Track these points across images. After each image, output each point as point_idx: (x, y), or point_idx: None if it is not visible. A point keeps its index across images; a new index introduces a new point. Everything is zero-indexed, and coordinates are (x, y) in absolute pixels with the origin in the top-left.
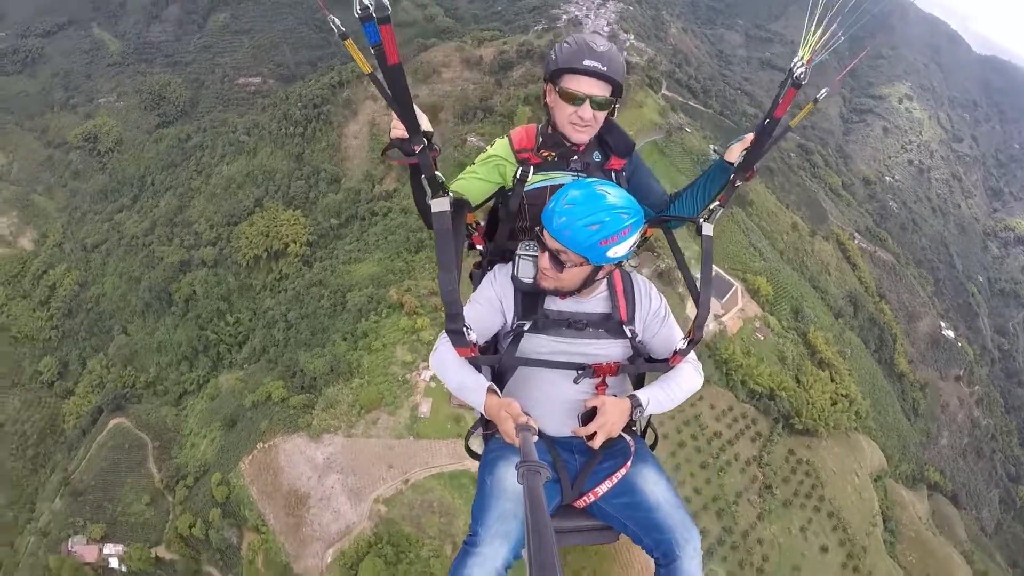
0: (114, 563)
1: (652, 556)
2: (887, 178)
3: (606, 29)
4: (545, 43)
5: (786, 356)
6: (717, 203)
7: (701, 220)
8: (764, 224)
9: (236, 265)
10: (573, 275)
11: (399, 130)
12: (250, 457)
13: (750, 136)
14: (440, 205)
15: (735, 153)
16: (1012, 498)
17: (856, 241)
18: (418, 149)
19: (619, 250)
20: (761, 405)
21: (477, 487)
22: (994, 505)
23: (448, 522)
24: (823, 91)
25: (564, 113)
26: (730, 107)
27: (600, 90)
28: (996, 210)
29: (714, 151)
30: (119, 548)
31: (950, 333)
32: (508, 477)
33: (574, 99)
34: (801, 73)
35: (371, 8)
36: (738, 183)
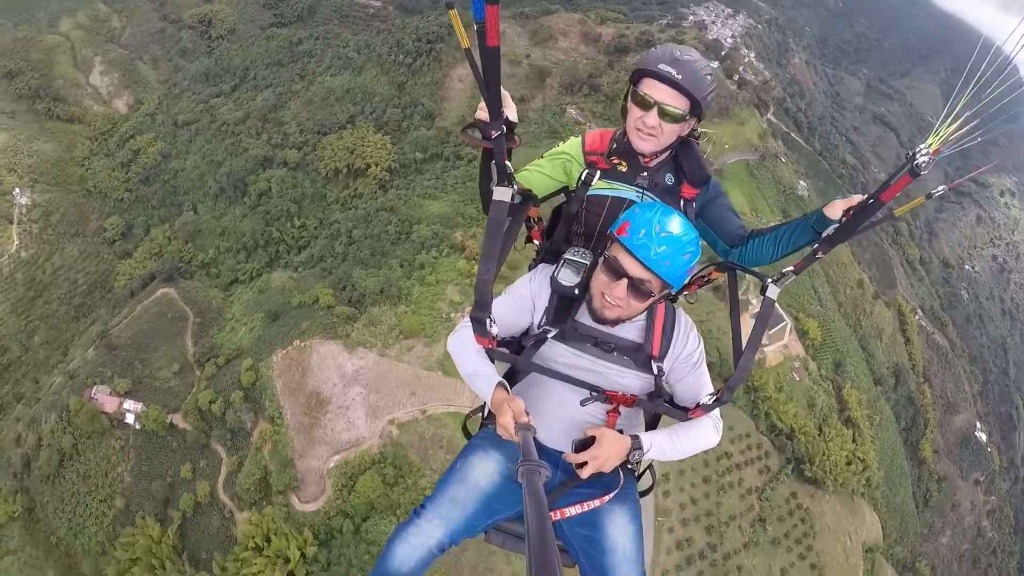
0: (130, 419)
1: None
2: (966, 266)
3: (729, 41)
4: (665, 38)
5: (815, 403)
6: (791, 268)
7: (769, 280)
8: (831, 272)
9: (315, 173)
10: (646, 304)
11: (484, 112)
12: (284, 352)
13: (858, 198)
14: (502, 194)
15: (838, 210)
16: None
17: (917, 317)
18: (495, 135)
19: (688, 278)
20: (778, 442)
21: (450, 465)
22: None
23: (454, 457)
24: (940, 187)
25: (633, 117)
26: (831, 151)
27: (672, 99)
28: None
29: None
30: (138, 406)
31: (983, 436)
32: (476, 468)
33: (643, 103)
34: (924, 162)
35: None
36: (819, 254)
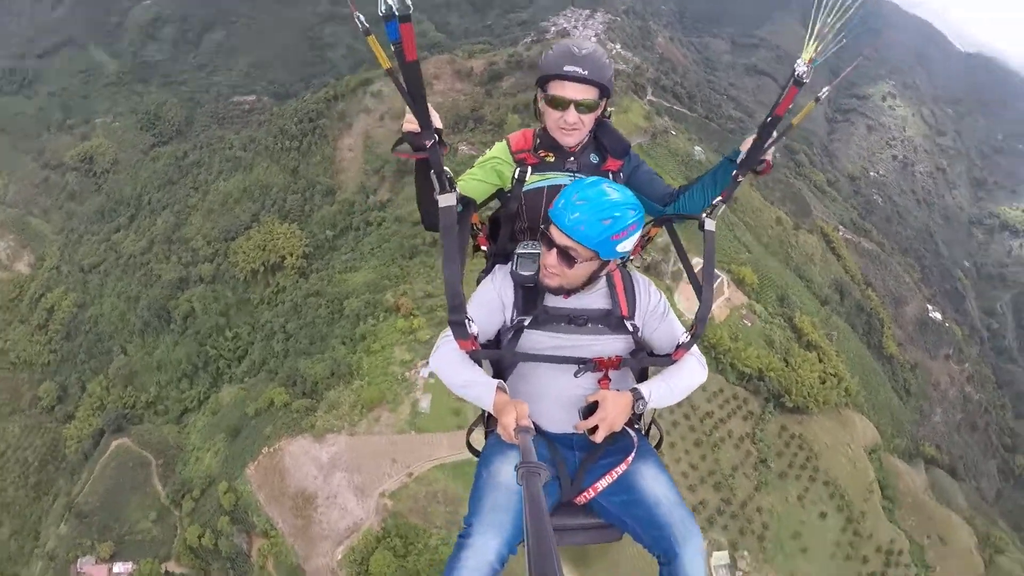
0: None
1: (653, 554)
2: (871, 174)
3: (593, 39)
4: (534, 54)
5: (773, 340)
6: (720, 199)
7: (704, 216)
8: (749, 220)
9: (234, 280)
10: (580, 271)
11: (411, 124)
12: (255, 463)
13: None
14: (447, 200)
15: (748, 145)
16: (1010, 467)
17: (841, 233)
18: (429, 144)
19: (626, 245)
20: (751, 386)
21: (475, 481)
22: (992, 475)
23: (454, 510)
24: (824, 90)
25: (552, 118)
26: (716, 111)
27: (583, 94)
28: (981, 199)
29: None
30: (128, 566)
31: (937, 315)
32: (504, 470)
33: (559, 104)
34: (803, 72)
35: (394, 7)
36: (740, 178)
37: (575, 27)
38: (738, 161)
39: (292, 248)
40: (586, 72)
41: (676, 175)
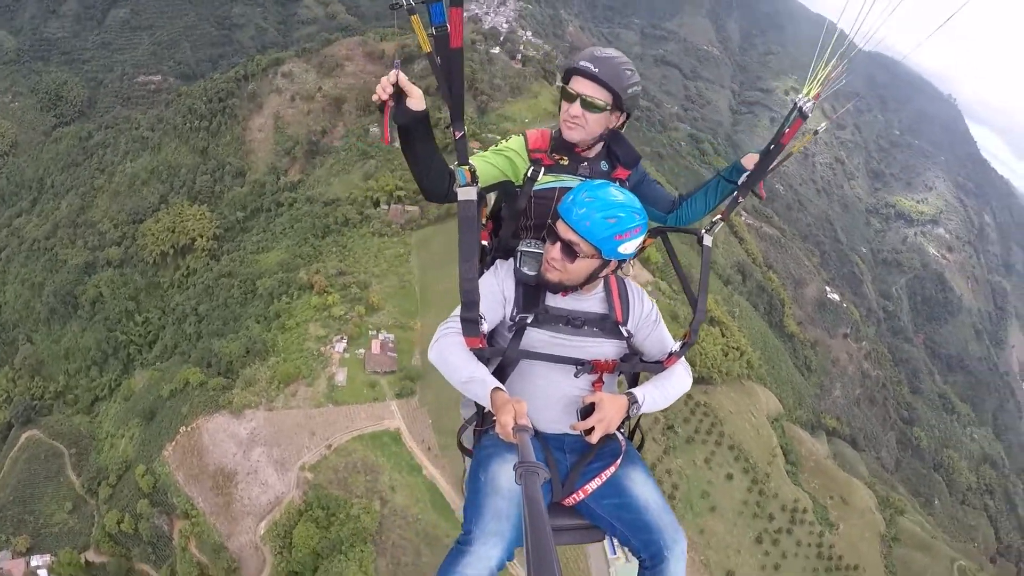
0: (43, 574)
1: (639, 557)
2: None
3: (504, 26)
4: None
5: (678, 315)
6: (719, 217)
7: (703, 232)
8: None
9: (143, 263)
10: (581, 268)
11: (383, 90)
12: (173, 443)
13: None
14: (468, 193)
15: (752, 161)
16: (908, 439)
17: (743, 218)
18: (459, 135)
19: (628, 247)
20: None
21: (470, 484)
22: (891, 446)
23: (374, 479)
24: (823, 124)
25: (562, 111)
26: None
27: (592, 91)
28: (878, 189)
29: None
30: (46, 558)
31: (835, 296)
32: (502, 475)
33: (569, 96)
34: (808, 107)
35: None
36: (741, 199)
37: (487, 13)
38: (739, 183)
39: (202, 230)
40: (597, 71)
41: None
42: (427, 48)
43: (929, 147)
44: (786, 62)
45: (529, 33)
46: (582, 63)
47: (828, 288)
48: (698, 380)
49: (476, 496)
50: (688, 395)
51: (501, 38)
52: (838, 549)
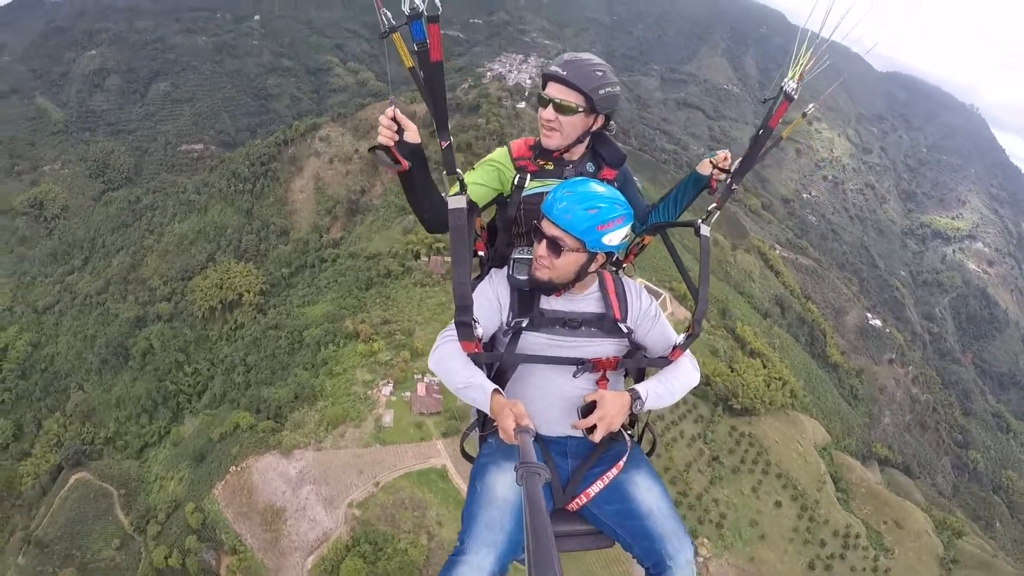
0: None
1: (643, 565)
2: (804, 195)
3: (528, 82)
4: (472, 98)
5: (717, 349)
6: (714, 206)
7: (699, 222)
8: (686, 242)
9: (192, 317)
10: (568, 263)
11: (385, 135)
12: (223, 482)
13: (723, 152)
14: (457, 202)
15: (707, 167)
16: (964, 462)
17: (778, 251)
18: (444, 145)
19: (612, 238)
20: (699, 391)
21: (468, 492)
22: (947, 471)
23: (421, 515)
24: (811, 105)
25: (539, 116)
26: (648, 144)
27: (563, 94)
28: (911, 210)
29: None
30: None
31: (877, 322)
32: (498, 484)
33: (542, 101)
34: (792, 88)
35: (421, 7)
36: (734, 186)
37: (510, 71)
38: (732, 171)
39: (249, 285)
40: (566, 74)
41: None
42: (410, 64)
43: (958, 161)
44: (805, 92)
45: (588, 54)
46: (553, 68)
47: (869, 315)
48: (741, 412)
49: (471, 505)
50: (732, 426)
51: (526, 93)
52: (894, 573)
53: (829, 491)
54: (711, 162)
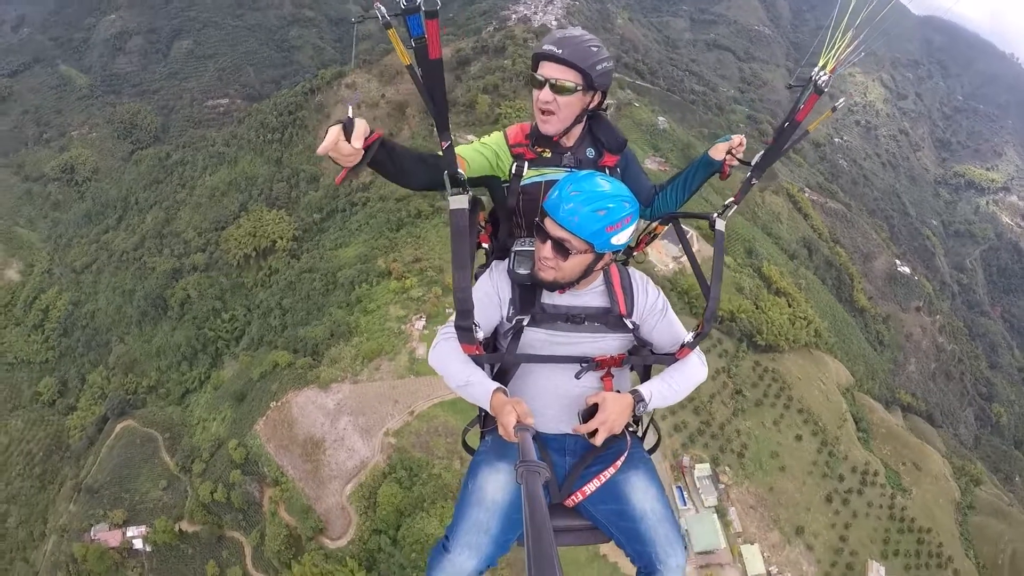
0: (138, 544)
1: (635, 565)
2: (836, 140)
3: (554, 23)
4: (497, 40)
5: (743, 287)
6: (732, 200)
7: (715, 216)
8: (712, 183)
9: (227, 266)
10: (575, 264)
11: (333, 149)
12: (264, 418)
13: (738, 137)
14: (458, 203)
15: (720, 152)
16: (987, 415)
17: (807, 194)
18: (445, 145)
19: (621, 238)
20: (724, 327)
21: (461, 488)
22: (970, 422)
23: (454, 440)
24: (841, 100)
25: (533, 99)
26: (677, 86)
27: (559, 74)
28: (945, 159)
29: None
30: (142, 529)
31: (906, 269)
32: (489, 484)
33: (537, 83)
34: (824, 81)
35: (419, 1)
36: (754, 180)
37: (535, 13)
38: (754, 164)
39: (282, 232)
40: (561, 52)
41: (643, 144)
42: (406, 61)
43: (995, 111)
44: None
45: (579, 29)
46: (547, 47)
47: (898, 261)
48: (765, 348)
49: (462, 503)
50: (756, 361)
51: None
52: (910, 512)
53: (850, 429)
54: (726, 147)
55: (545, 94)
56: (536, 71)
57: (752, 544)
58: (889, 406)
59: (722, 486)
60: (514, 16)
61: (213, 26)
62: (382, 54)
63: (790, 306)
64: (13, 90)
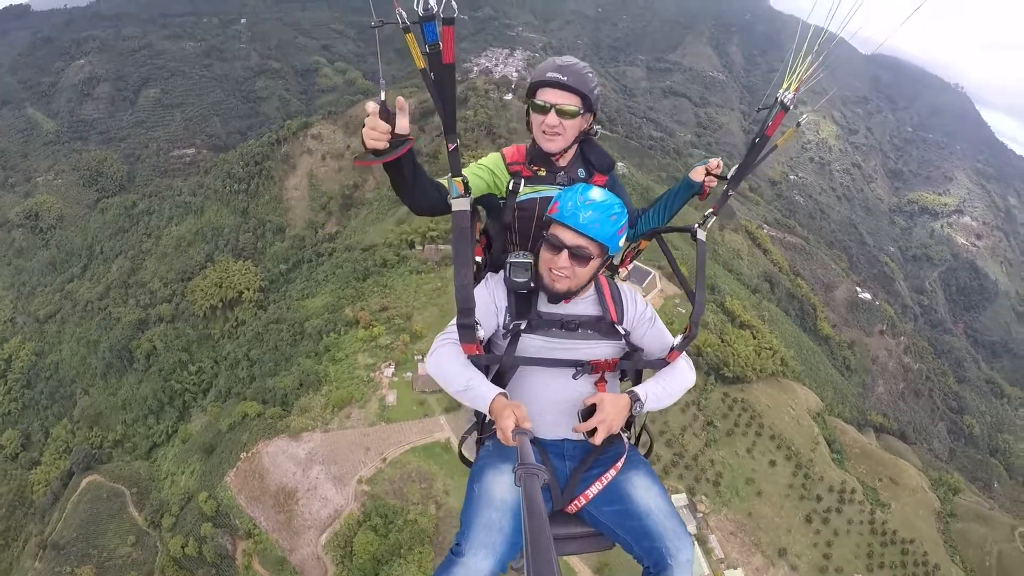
0: None
1: (642, 565)
2: (791, 177)
3: (515, 75)
4: (460, 92)
5: (708, 323)
6: (711, 211)
7: (696, 227)
8: (675, 240)
9: (193, 317)
10: (589, 270)
11: (373, 140)
12: (234, 470)
13: (716, 160)
14: (461, 205)
15: (700, 174)
16: (960, 428)
17: (766, 231)
18: (452, 147)
19: (623, 241)
20: (691, 361)
21: (466, 495)
22: (943, 436)
23: (428, 486)
24: (804, 116)
25: (536, 123)
26: (635, 132)
27: (564, 99)
28: (898, 188)
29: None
30: None
31: (867, 295)
32: (496, 486)
33: (542, 109)
34: (789, 99)
35: (436, 9)
36: (731, 192)
37: (496, 66)
38: (729, 177)
39: (248, 283)
40: (566, 79)
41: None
42: (421, 65)
43: (944, 139)
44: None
45: (572, 57)
46: (550, 74)
47: (859, 288)
48: (733, 380)
49: (469, 508)
50: (724, 393)
51: (513, 86)
52: (891, 525)
53: (823, 451)
54: (705, 169)
55: (552, 119)
56: (535, 98)
57: (736, 569)
58: (861, 428)
59: (700, 515)
60: (476, 68)
61: (181, 75)
62: (347, 105)
63: (755, 338)
64: None
